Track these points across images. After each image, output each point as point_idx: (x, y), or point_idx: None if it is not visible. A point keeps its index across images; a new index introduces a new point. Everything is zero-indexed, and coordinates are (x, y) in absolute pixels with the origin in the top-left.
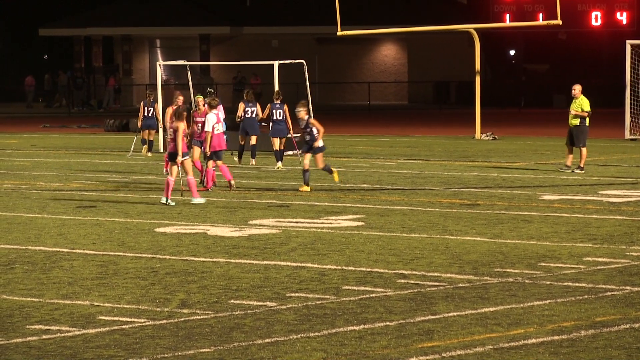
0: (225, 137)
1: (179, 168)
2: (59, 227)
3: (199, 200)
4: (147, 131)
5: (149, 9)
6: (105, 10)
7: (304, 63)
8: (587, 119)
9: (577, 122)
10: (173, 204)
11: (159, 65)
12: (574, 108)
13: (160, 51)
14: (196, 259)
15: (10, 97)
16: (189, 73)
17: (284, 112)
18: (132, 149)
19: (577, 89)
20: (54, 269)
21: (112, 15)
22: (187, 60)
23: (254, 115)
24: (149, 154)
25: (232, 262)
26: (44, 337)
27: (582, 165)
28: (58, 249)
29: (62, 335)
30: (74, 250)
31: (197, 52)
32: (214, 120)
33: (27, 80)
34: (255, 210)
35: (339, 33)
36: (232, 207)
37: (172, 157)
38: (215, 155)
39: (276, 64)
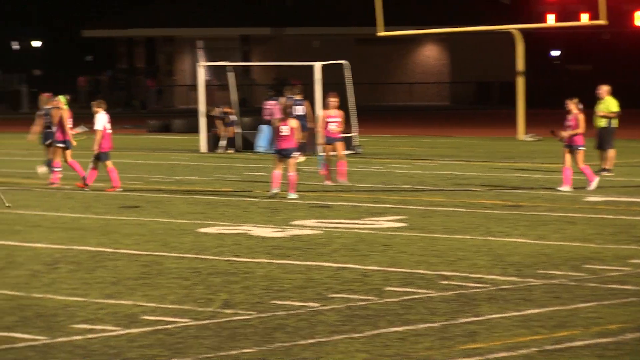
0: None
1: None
2: (103, 227)
3: (294, 195)
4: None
5: (190, 11)
6: (148, 11)
7: (347, 64)
8: (614, 120)
9: (603, 123)
10: (276, 190)
11: (201, 66)
12: (601, 109)
13: (201, 52)
14: (239, 259)
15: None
16: (230, 74)
17: (304, 107)
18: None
19: (603, 89)
20: (98, 268)
21: (154, 17)
22: (229, 61)
23: (302, 113)
24: (230, 151)
25: (274, 263)
26: (88, 336)
27: (608, 167)
28: (102, 249)
29: (106, 334)
30: (118, 250)
31: (239, 53)
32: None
33: (80, 80)
34: (297, 210)
35: (380, 34)
36: (274, 207)
37: (282, 153)
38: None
39: (317, 65)
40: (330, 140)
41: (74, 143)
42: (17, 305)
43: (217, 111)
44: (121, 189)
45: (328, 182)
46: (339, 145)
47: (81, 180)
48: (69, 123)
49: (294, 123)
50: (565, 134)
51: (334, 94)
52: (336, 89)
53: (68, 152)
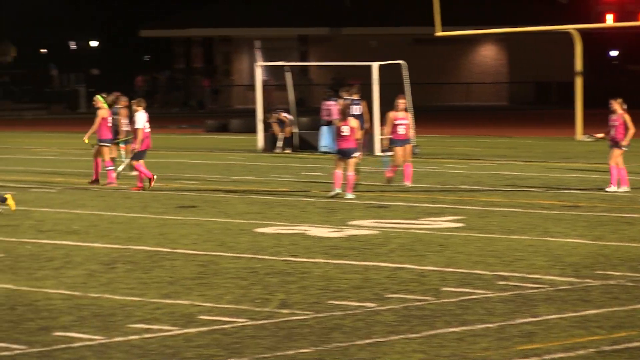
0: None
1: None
2: (160, 227)
3: (351, 195)
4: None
5: (248, 11)
6: (206, 11)
7: (404, 64)
8: None
9: None
10: (338, 190)
11: (259, 66)
12: None
13: (259, 52)
14: (296, 259)
15: None
16: (288, 74)
17: (361, 107)
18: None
19: None
20: (155, 268)
21: (212, 17)
22: (286, 61)
23: (359, 113)
24: (287, 151)
25: (331, 263)
26: (145, 336)
27: None
28: (159, 249)
29: (163, 334)
30: (175, 250)
31: (296, 53)
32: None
33: (137, 80)
34: (354, 211)
35: (438, 33)
36: (332, 208)
37: (343, 153)
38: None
39: (375, 65)
40: (398, 143)
41: (86, 141)
42: (74, 305)
43: (274, 117)
44: (144, 189)
45: (406, 183)
46: (407, 148)
47: (92, 182)
48: (108, 122)
49: (354, 123)
50: (600, 135)
51: (402, 96)
52: (393, 89)
53: (106, 150)
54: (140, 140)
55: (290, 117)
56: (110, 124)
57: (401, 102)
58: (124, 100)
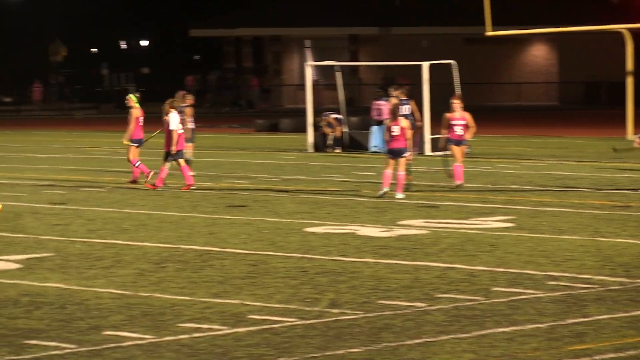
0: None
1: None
2: (210, 226)
3: (401, 195)
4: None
5: (298, 10)
6: (255, 11)
7: (455, 64)
8: None
9: None
10: (386, 189)
11: (309, 66)
12: None
13: (309, 52)
14: (345, 259)
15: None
16: (338, 74)
17: (410, 107)
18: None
19: None
20: (205, 267)
21: (262, 16)
22: (336, 61)
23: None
24: (337, 151)
25: (381, 263)
26: (195, 335)
27: None
28: (209, 248)
29: (213, 333)
30: (225, 249)
31: (346, 53)
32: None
33: (188, 79)
34: (404, 210)
35: (488, 33)
36: (382, 207)
37: (394, 153)
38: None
39: (425, 64)
40: (454, 143)
41: (125, 142)
42: (124, 304)
43: (324, 120)
44: (195, 187)
45: (457, 182)
46: (462, 148)
47: (131, 181)
48: (140, 122)
49: (404, 122)
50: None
51: (458, 96)
52: (444, 89)
53: (136, 150)
54: (176, 141)
55: (340, 117)
56: (142, 124)
57: (456, 103)
58: (189, 99)
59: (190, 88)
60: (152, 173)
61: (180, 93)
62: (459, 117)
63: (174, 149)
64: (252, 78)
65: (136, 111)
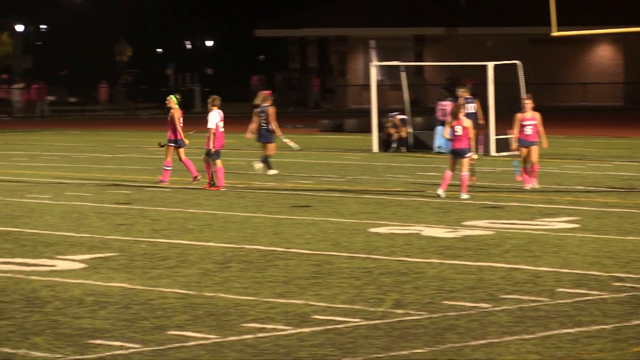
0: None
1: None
2: (274, 226)
3: (465, 195)
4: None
5: (363, 10)
6: (320, 11)
7: (520, 64)
8: None
9: None
10: (441, 192)
11: (374, 66)
12: None
13: (374, 52)
14: (410, 259)
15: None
16: (402, 74)
17: (475, 106)
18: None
19: None
20: (269, 267)
21: (327, 16)
22: (401, 61)
23: (472, 111)
24: (402, 151)
25: (445, 263)
26: (259, 335)
27: None
28: (273, 248)
29: (277, 333)
30: (289, 250)
31: (411, 53)
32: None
33: (253, 80)
34: (469, 211)
35: (554, 34)
36: (446, 208)
37: (457, 153)
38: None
39: (490, 64)
40: (525, 144)
41: (187, 142)
42: (188, 303)
43: (389, 122)
44: (225, 189)
45: (530, 185)
46: (534, 149)
47: (193, 179)
48: (180, 122)
49: (467, 122)
50: None
51: (529, 96)
52: (509, 89)
53: (181, 150)
54: (212, 139)
55: (404, 117)
56: (182, 124)
57: (527, 103)
58: (270, 99)
59: (256, 88)
60: (165, 182)
61: (263, 93)
62: (530, 118)
63: (212, 146)
64: (313, 78)
65: (176, 112)
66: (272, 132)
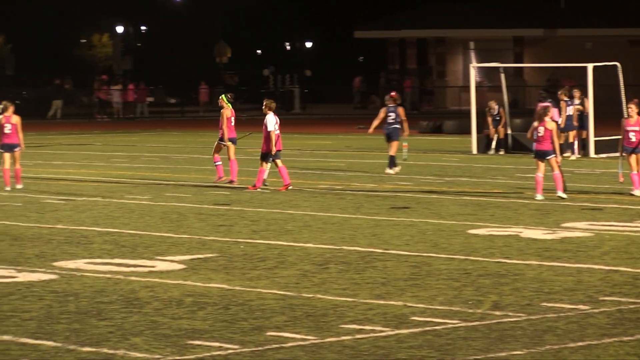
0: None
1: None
2: (373, 228)
3: (563, 194)
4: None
5: (462, 12)
6: (419, 12)
7: (619, 66)
8: None
9: None
10: (540, 196)
11: (473, 67)
12: None
13: (473, 53)
14: (508, 261)
15: (327, 98)
16: (502, 75)
17: (573, 108)
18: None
19: None
20: (367, 269)
21: (426, 18)
22: (500, 62)
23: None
24: (501, 153)
25: (544, 265)
26: (357, 336)
27: None
28: (372, 250)
29: (376, 335)
30: (388, 251)
31: (511, 54)
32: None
33: (355, 81)
34: (568, 212)
35: None
36: (545, 209)
37: (540, 154)
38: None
39: (590, 66)
40: (628, 150)
41: (227, 143)
42: (287, 304)
43: (493, 108)
44: (292, 187)
45: (638, 191)
46: (638, 157)
47: (229, 181)
48: (231, 121)
49: (550, 125)
50: None
51: (635, 102)
52: (608, 91)
53: (231, 149)
54: (275, 142)
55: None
56: (233, 124)
57: (632, 108)
58: (398, 100)
59: (357, 89)
60: (224, 179)
61: (392, 94)
62: (634, 124)
63: (273, 150)
64: (407, 79)
65: (227, 111)
66: (399, 131)
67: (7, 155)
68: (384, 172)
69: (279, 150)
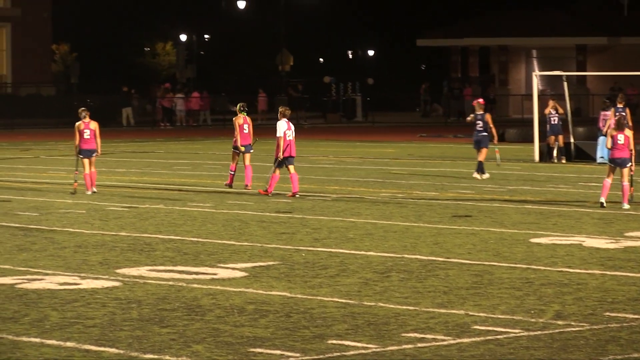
0: None
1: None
2: (435, 236)
3: (627, 206)
4: (552, 137)
5: (525, 20)
6: (481, 20)
7: None
8: None
9: None
10: (603, 200)
11: (535, 75)
12: None
13: (536, 61)
14: (571, 270)
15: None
16: (565, 83)
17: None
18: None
19: None
20: (429, 277)
21: (488, 26)
22: (563, 71)
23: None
24: (563, 161)
25: (607, 274)
26: (418, 345)
27: None
28: (433, 258)
29: (437, 343)
30: (449, 259)
31: (573, 63)
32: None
33: (421, 89)
34: (631, 222)
35: None
36: (608, 219)
37: (616, 163)
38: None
39: None
40: None
41: (241, 149)
42: (348, 312)
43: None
44: (298, 195)
45: None
46: None
47: (245, 186)
48: (244, 129)
49: (629, 132)
50: None
51: None
52: None
53: (247, 155)
54: (282, 147)
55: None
56: (246, 131)
57: None
58: (481, 107)
59: (421, 97)
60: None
61: (478, 101)
62: None
63: (280, 155)
64: (467, 88)
65: (239, 119)
66: (487, 138)
67: (86, 161)
68: (471, 176)
69: (292, 157)
